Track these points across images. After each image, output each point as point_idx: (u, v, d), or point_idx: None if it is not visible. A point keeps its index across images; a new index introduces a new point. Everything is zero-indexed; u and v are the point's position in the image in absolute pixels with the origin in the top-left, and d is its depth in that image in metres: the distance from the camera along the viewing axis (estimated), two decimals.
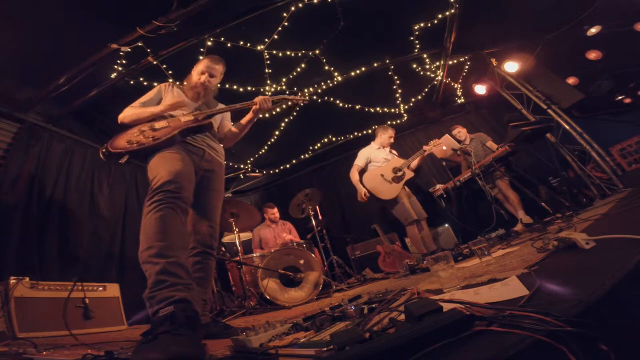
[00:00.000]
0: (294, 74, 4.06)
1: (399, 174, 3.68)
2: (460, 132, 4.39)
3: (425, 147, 3.77)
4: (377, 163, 3.84)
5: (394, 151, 4.04)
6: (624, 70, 4.93)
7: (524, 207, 3.77)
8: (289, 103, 2.24)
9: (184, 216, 1.49)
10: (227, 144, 2.19)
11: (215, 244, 1.87)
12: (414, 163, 3.74)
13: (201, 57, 2.15)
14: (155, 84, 3.45)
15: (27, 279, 2.09)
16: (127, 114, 1.86)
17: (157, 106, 1.90)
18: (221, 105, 2.17)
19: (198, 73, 2.07)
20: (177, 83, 2.21)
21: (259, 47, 3.50)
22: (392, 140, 3.99)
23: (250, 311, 2.93)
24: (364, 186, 3.69)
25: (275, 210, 4.62)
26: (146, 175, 1.70)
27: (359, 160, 3.91)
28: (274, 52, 3.63)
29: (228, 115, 2.25)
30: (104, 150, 1.70)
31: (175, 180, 1.50)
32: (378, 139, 4.01)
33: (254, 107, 2.05)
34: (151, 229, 1.32)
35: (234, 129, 2.16)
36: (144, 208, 1.44)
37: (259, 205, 6.37)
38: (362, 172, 3.87)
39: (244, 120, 2.12)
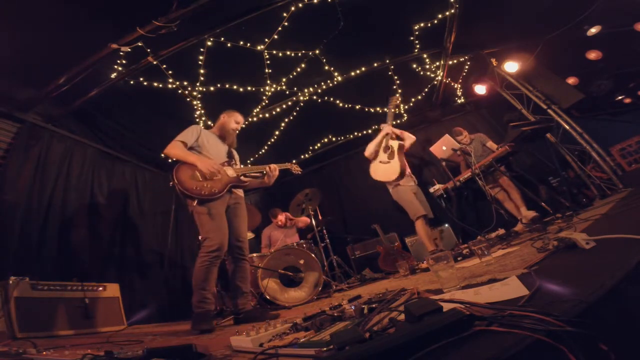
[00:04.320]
0: (294, 74, 4.06)
1: (389, 150, 3.80)
2: (465, 137, 4.38)
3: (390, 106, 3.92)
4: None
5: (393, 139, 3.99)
6: (624, 70, 4.93)
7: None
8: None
9: (220, 260, 2.29)
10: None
11: (245, 253, 2.53)
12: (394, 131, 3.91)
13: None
14: (155, 84, 3.48)
15: (27, 279, 2.10)
16: (173, 152, 2.41)
17: (200, 157, 2.44)
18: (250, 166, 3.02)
19: (235, 122, 2.77)
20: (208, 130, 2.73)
21: (259, 47, 3.50)
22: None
23: None
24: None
25: (282, 217, 4.53)
26: (184, 203, 2.44)
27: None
28: (274, 52, 3.62)
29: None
30: (171, 184, 2.32)
31: (220, 246, 2.25)
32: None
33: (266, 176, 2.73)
34: (201, 273, 2.19)
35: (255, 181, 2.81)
36: (198, 257, 2.24)
37: (259, 205, 6.38)
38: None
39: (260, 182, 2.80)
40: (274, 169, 2.72)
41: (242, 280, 2.45)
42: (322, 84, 4.41)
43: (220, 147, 2.66)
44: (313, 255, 3.28)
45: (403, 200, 3.66)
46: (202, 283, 2.17)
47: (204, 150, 2.52)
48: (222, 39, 3.24)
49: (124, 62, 3.10)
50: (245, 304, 2.37)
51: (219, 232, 2.28)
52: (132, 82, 3.36)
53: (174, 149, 2.42)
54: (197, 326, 2.06)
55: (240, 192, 2.67)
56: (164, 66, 3.30)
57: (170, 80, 3.50)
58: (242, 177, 2.61)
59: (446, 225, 4.72)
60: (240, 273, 2.45)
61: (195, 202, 2.31)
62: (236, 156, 2.79)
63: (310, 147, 5.93)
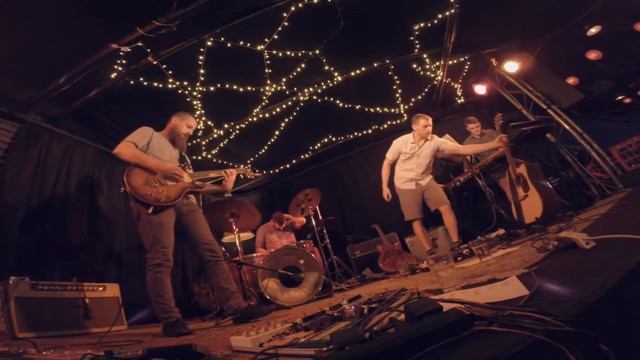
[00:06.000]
0: (294, 74, 4.06)
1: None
2: (477, 127, 4.34)
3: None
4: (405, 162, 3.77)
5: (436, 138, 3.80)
6: (624, 70, 4.93)
7: None
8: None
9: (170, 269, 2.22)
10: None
11: (218, 253, 2.41)
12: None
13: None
14: (155, 84, 3.48)
15: (27, 279, 2.09)
16: (128, 153, 2.24)
17: (159, 161, 2.35)
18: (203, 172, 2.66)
19: (187, 126, 2.59)
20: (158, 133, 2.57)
21: (259, 47, 3.50)
22: (429, 128, 3.75)
23: None
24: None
25: (284, 225, 4.58)
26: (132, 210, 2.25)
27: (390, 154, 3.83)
28: (274, 52, 3.62)
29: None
30: (122, 190, 2.15)
31: (165, 258, 2.17)
32: (414, 130, 3.82)
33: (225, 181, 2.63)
34: (152, 286, 2.12)
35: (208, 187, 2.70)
36: (146, 271, 2.14)
37: (259, 205, 6.38)
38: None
39: (216, 188, 2.70)
40: (231, 173, 2.63)
41: (226, 281, 2.35)
42: (322, 84, 4.41)
43: (172, 151, 2.53)
44: (313, 255, 3.28)
45: (401, 202, 3.72)
46: (161, 293, 2.10)
47: (155, 153, 2.38)
48: (222, 39, 3.23)
49: (124, 62, 3.10)
50: (239, 303, 2.30)
51: (163, 243, 2.17)
52: (132, 82, 3.36)
53: (128, 149, 2.25)
54: (172, 332, 1.99)
55: (193, 199, 2.54)
56: (164, 66, 3.30)
57: (170, 80, 3.50)
58: (197, 182, 2.49)
59: None
60: (221, 275, 2.36)
61: (151, 209, 2.15)
62: (188, 160, 2.63)
63: (310, 147, 5.93)
